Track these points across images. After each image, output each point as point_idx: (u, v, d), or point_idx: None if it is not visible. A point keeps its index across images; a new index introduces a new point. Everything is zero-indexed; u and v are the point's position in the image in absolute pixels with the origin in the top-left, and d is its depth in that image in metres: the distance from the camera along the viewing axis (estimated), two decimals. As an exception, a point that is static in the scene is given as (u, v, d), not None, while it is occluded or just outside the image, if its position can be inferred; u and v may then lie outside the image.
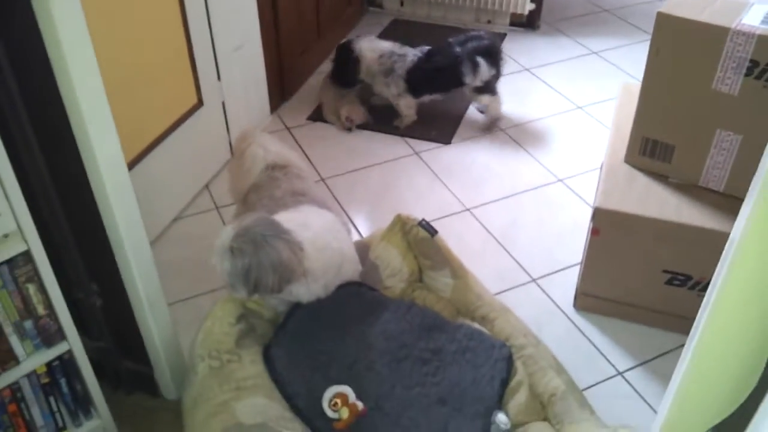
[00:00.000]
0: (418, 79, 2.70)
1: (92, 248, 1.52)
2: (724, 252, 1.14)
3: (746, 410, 1.05)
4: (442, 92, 2.79)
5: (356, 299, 1.73)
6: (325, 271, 1.67)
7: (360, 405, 1.53)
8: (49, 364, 1.48)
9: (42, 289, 1.39)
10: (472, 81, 2.68)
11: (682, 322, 1.81)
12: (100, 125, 1.34)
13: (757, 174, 1.02)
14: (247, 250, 1.49)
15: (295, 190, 1.82)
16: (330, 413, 1.52)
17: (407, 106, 2.79)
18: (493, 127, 2.83)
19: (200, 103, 2.40)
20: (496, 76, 2.74)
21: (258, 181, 1.88)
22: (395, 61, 2.72)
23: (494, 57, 2.71)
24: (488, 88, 2.74)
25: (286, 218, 1.65)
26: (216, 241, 1.54)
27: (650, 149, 1.90)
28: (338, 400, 1.52)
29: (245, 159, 1.93)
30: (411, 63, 2.70)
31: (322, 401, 1.53)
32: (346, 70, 2.79)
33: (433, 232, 1.91)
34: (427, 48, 2.74)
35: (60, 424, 1.57)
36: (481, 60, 2.65)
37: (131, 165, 2.05)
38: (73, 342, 1.48)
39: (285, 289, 1.56)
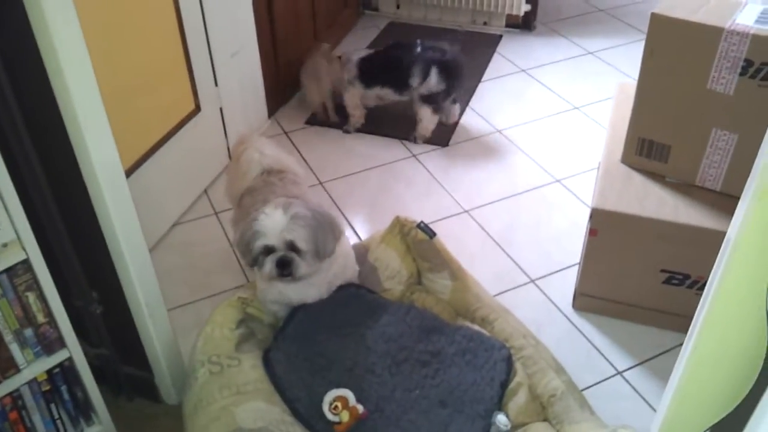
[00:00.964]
0: (369, 68, 2.70)
1: (91, 256, 1.52)
2: (720, 251, 1.14)
3: (744, 409, 1.05)
4: (391, 88, 2.71)
5: (355, 301, 1.74)
6: (326, 269, 1.68)
7: (360, 408, 1.54)
8: (49, 372, 1.49)
9: (42, 298, 1.39)
10: (416, 85, 2.65)
11: (680, 321, 1.81)
12: (97, 133, 1.34)
13: (752, 173, 1.02)
14: (308, 216, 1.56)
15: (289, 195, 1.83)
16: (330, 416, 1.52)
17: (353, 99, 2.77)
18: (419, 138, 2.78)
19: (198, 108, 2.40)
20: (446, 93, 2.68)
21: (253, 185, 1.88)
22: (354, 50, 2.78)
23: (450, 74, 2.65)
24: (432, 100, 2.67)
25: None
26: (261, 223, 1.55)
27: (646, 149, 1.90)
28: (338, 404, 1.53)
29: (241, 163, 1.94)
30: (367, 53, 2.75)
31: (323, 404, 1.53)
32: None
33: (431, 234, 1.92)
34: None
35: (61, 430, 1.57)
36: (434, 70, 2.62)
37: (129, 172, 2.05)
38: (74, 349, 1.48)
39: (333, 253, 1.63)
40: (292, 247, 1.56)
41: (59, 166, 1.38)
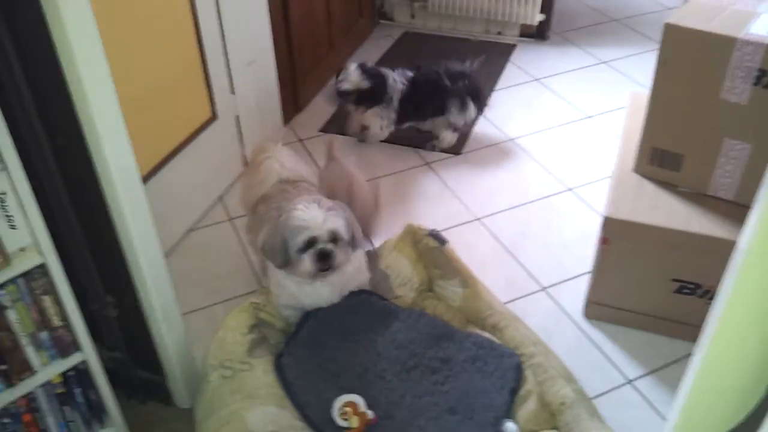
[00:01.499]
0: (402, 107, 2.70)
1: (107, 261, 1.55)
2: (731, 260, 1.14)
3: (754, 418, 1.05)
4: (425, 120, 2.77)
5: (366, 308, 1.75)
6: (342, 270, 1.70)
7: (370, 414, 1.54)
8: (64, 374, 1.51)
9: (58, 301, 1.42)
10: (456, 119, 2.70)
11: (691, 330, 1.80)
12: (115, 139, 1.37)
13: (763, 182, 1.02)
14: (339, 207, 1.61)
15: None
16: (340, 422, 1.53)
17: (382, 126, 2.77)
18: (438, 147, 2.79)
19: (214, 116, 2.43)
20: (477, 118, 2.79)
21: (268, 193, 1.90)
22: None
23: (481, 100, 2.74)
24: (459, 126, 2.77)
25: None
26: (301, 217, 1.57)
27: (659, 159, 1.90)
28: (348, 409, 1.54)
29: (260, 171, 1.96)
30: (401, 92, 2.69)
31: (332, 410, 1.54)
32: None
33: (443, 241, 1.93)
34: (409, 74, 2.72)
35: (75, 433, 1.59)
36: (470, 102, 2.68)
37: (147, 178, 2.08)
38: (88, 352, 1.50)
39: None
40: (333, 237, 1.58)
41: (77, 171, 1.41)
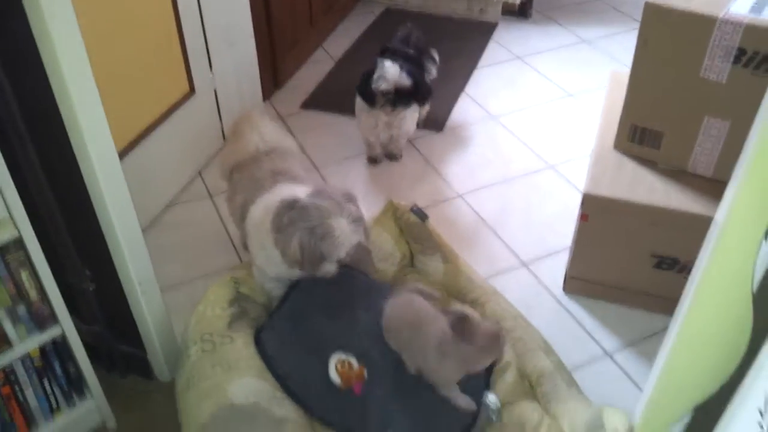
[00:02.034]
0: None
1: (84, 234, 1.53)
2: (708, 235, 1.16)
3: (728, 390, 1.07)
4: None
5: (349, 282, 1.75)
6: None
7: (365, 372, 1.56)
8: (42, 348, 1.50)
9: (34, 275, 1.40)
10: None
11: (669, 305, 1.81)
12: (91, 114, 1.34)
13: (740, 159, 1.03)
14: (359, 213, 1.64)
15: (275, 169, 1.83)
16: (334, 374, 1.55)
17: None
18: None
19: (192, 91, 2.40)
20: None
21: (242, 161, 1.89)
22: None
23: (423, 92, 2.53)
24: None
25: (260, 205, 1.69)
26: (337, 235, 1.57)
27: (639, 136, 1.91)
28: (346, 363, 1.57)
29: (239, 140, 1.94)
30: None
31: (329, 360, 1.57)
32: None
33: (424, 217, 1.93)
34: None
35: (54, 405, 1.59)
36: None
37: (124, 153, 2.05)
38: (66, 326, 1.49)
39: None
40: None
41: (52, 145, 1.39)
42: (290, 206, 1.58)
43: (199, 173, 2.53)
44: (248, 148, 1.90)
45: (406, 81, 2.34)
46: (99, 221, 1.49)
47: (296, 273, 1.68)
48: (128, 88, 2.06)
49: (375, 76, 2.32)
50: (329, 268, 1.64)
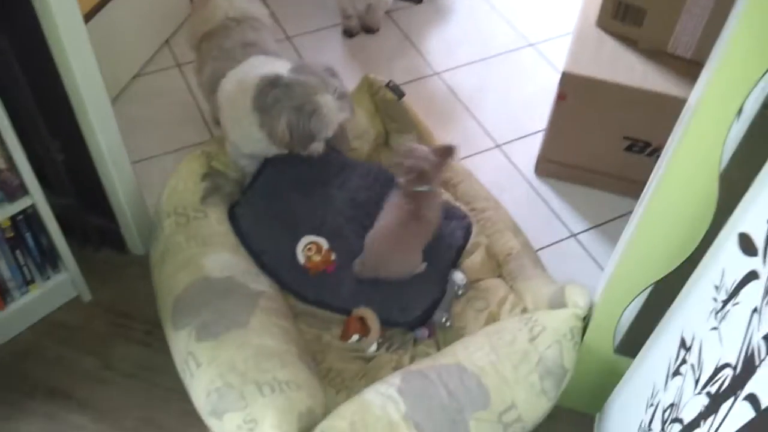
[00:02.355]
0: None
1: (51, 103, 1.48)
2: (680, 117, 1.16)
3: (687, 267, 1.12)
4: None
5: (323, 159, 1.73)
6: None
7: (333, 255, 1.59)
8: (13, 219, 1.49)
9: (1, 144, 1.36)
10: None
11: (638, 188, 1.84)
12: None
13: (719, 39, 1.02)
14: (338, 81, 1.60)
15: (245, 41, 1.76)
16: (302, 258, 1.58)
17: None
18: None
19: (157, -50, 2.25)
20: None
21: (211, 30, 1.81)
22: None
23: None
24: None
25: (233, 79, 1.63)
26: (326, 112, 1.54)
27: (622, 12, 1.86)
28: (313, 246, 1.59)
29: (207, 7, 1.84)
30: None
31: (297, 246, 1.59)
32: None
33: (400, 94, 1.90)
34: None
35: (28, 277, 1.60)
36: None
37: (88, 17, 1.95)
38: (36, 196, 1.47)
39: None
40: None
41: (15, 9, 1.31)
42: (273, 84, 1.53)
43: (167, 41, 2.42)
44: (216, 15, 1.81)
45: None
46: (65, 87, 1.43)
47: (273, 150, 1.66)
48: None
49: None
50: (317, 147, 1.61)
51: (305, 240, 1.61)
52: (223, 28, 1.79)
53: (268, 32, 1.86)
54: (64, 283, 1.68)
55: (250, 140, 1.64)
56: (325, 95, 1.53)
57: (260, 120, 1.55)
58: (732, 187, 0.99)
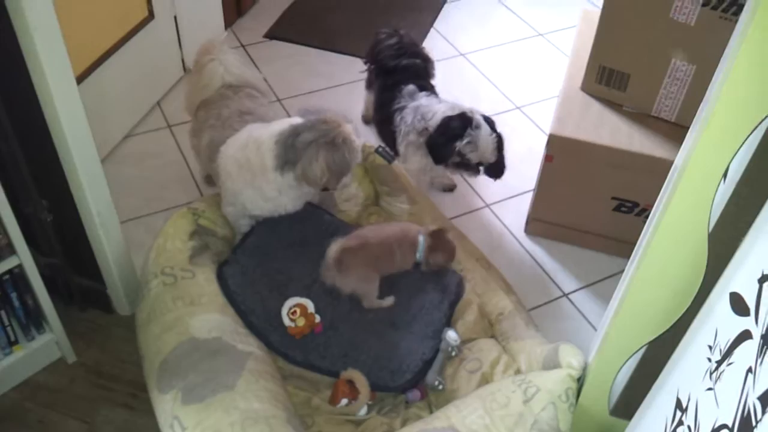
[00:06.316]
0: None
1: (42, 163, 1.48)
2: (667, 178, 1.17)
3: (681, 327, 1.11)
4: None
5: (313, 219, 1.74)
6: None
7: (318, 318, 1.57)
8: (-1, 279, 1.47)
9: (-12, 203, 1.36)
10: None
11: (627, 248, 1.84)
12: (48, 36, 1.28)
13: (703, 101, 1.04)
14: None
15: (242, 109, 1.79)
16: (287, 321, 1.55)
17: None
18: None
19: (151, 15, 2.30)
20: None
21: (209, 98, 1.84)
22: None
23: None
24: None
25: (235, 145, 1.65)
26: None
27: (606, 77, 1.91)
28: (297, 309, 1.57)
29: (204, 74, 1.87)
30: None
31: (282, 309, 1.57)
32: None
33: (390, 158, 1.91)
34: None
35: (12, 338, 1.57)
36: None
37: (80, 78, 1.97)
38: (23, 256, 1.46)
39: None
40: None
41: (8, 69, 1.33)
42: (295, 132, 1.56)
43: (158, 104, 2.45)
44: (213, 82, 1.84)
45: (492, 158, 1.93)
46: (56, 149, 1.44)
47: (283, 204, 1.67)
48: (85, 10, 1.96)
49: (464, 140, 1.88)
50: (347, 181, 1.65)
51: (290, 302, 1.59)
52: (220, 97, 1.82)
53: (263, 99, 1.90)
54: (49, 344, 1.64)
55: (261, 200, 1.64)
56: (346, 124, 1.58)
57: (284, 172, 1.57)
58: (722, 247, 0.99)
